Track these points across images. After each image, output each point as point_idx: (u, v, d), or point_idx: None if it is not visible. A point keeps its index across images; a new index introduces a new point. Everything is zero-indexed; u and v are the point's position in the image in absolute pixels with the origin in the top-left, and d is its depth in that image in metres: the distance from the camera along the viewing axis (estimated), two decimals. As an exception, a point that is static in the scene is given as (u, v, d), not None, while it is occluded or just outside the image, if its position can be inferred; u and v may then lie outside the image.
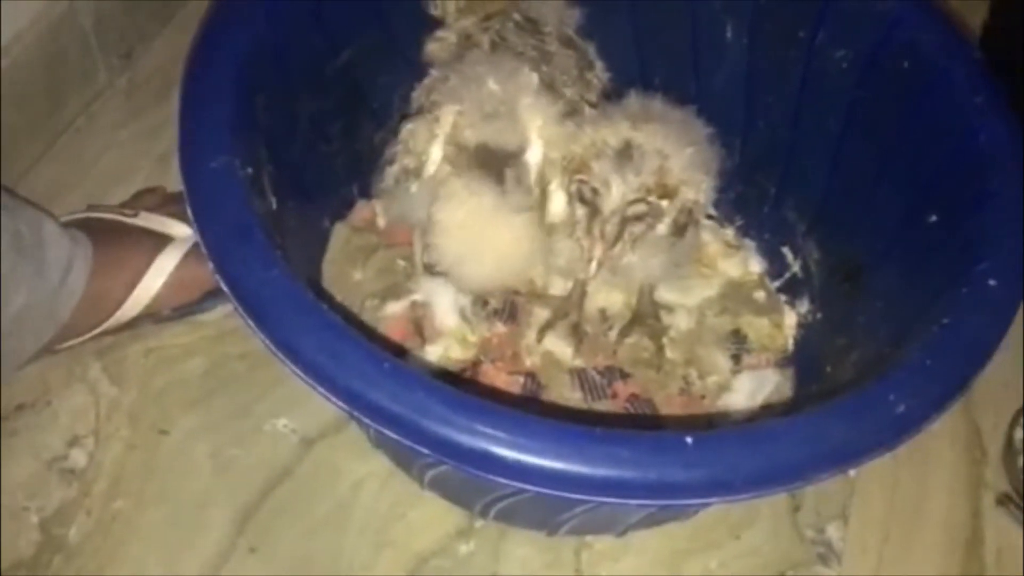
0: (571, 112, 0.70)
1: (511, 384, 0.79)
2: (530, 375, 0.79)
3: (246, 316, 0.54)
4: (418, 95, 0.72)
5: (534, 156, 0.66)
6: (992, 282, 0.58)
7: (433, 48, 0.76)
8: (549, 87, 0.74)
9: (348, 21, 0.77)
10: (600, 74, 0.80)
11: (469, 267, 0.70)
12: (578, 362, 0.81)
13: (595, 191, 0.63)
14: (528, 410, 0.51)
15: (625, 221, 0.64)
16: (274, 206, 0.67)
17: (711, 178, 0.70)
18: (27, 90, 0.86)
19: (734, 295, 0.87)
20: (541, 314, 0.82)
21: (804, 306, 0.86)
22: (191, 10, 1.03)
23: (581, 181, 0.64)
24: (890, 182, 0.75)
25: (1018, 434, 0.82)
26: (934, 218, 0.69)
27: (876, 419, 0.52)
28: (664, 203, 0.65)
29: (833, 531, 0.77)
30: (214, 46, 0.65)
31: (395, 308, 0.80)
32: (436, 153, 0.65)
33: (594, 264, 0.64)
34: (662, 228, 0.66)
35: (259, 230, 0.56)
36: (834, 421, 0.52)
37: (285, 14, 0.71)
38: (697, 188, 0.66)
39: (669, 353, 0.82)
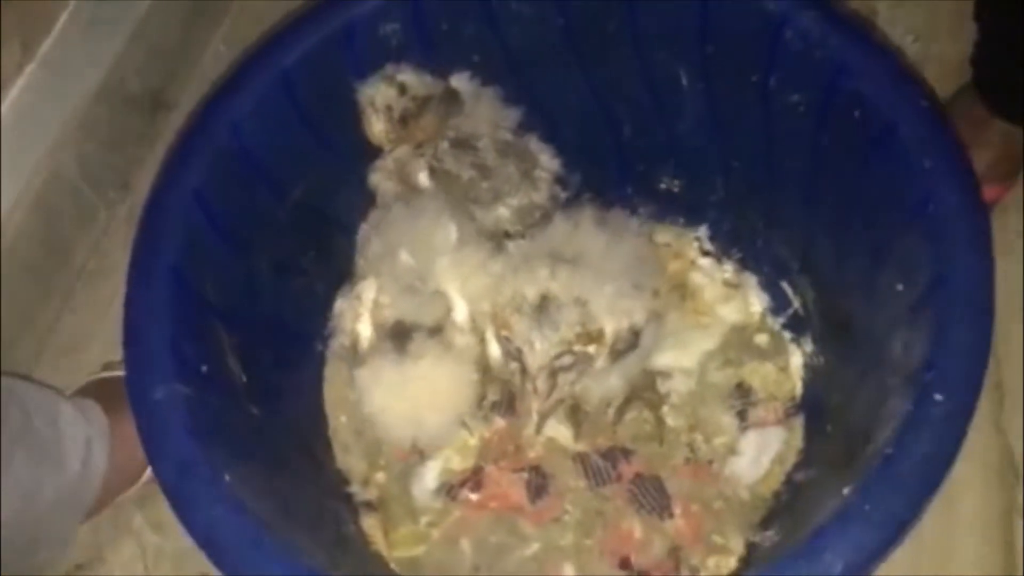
0: (496, 251, 0.69)
1: (516, 483, 0.80)
2: (534, 468, 0.81)
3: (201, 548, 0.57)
4: (360, 239, 0.73)
5: (460, 315, 0.66)
6: (938, 397, 0.55)
7: (375, 178, 0.76)
8: (492, 200, 0.74)
9: (293, 163, 0.78)
10: (548, 164, 0.78)
11: (398, 431, 0.71)
12: (581, 446, 0.82)
13: (520, 350, 0.63)
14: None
15: (555, 373, 0.64)
16: (244, 379, 0.71)
17: (645, 295, 0.68)
18: (32, 255, 0.91)
19: (735, 342, 0.85)
20: (537, 402, 0.83)
21: (809, 345, 0.83)
22: (177, 123, 1.05)
23: (506, 339, 0.64)
24: (856, 235, 0.72)
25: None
26: (900, 287, 0.66)
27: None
28: (591, 348, 0.64)
29: None
30: (150, 253, 0.67)
31: (394, 426, 0.82)
32: (365, 331, 0.66)
33: (534, 417, 0.65)
34: (601, 363, 0.65)
35: (203, 465, 0.59)
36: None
37: (222, 182, 0.72)
38: (628, 316, 0.65)
39: (671, 421, 0.82)
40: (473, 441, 0.82)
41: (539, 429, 0.82)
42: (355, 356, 0.68)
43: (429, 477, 0.80)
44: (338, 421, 0.84)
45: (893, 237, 0.67)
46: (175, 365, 0.63)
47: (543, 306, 0.63)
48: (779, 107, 0.75)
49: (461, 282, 0.66)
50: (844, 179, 0.73)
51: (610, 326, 0.65)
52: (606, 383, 0.72)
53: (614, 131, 0.87)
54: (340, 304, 0.69)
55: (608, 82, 0.84)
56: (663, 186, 0.90)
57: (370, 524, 0.79)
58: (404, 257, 0.66)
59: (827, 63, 0.69)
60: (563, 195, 0.79)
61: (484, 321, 0.66)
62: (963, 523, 0.78)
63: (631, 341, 0.68)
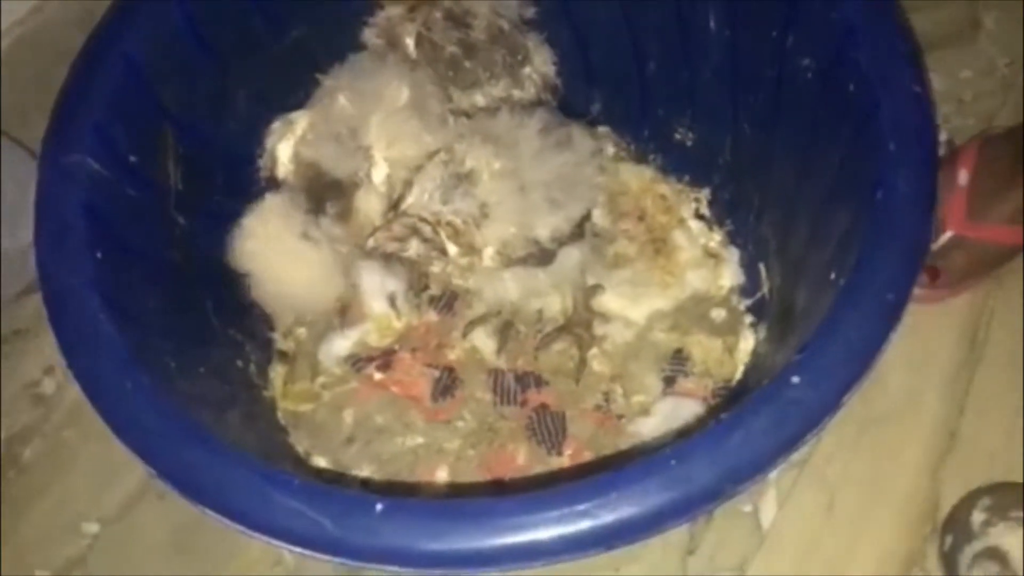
0: (439, 126, 0.67)
1: (424, 376, 0.79)
2: (448, 369, 0.79)
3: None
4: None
5: (378, 176, 0.64)
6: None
7: (367, 33, 0.75)
8: (472, 84, 0.72)
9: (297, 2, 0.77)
10: (541, 68, 0.75)
11: (263, 286, 0.70)
12: (501, 363, 0.80)
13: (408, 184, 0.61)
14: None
15: (414, 227, 0.62)
16: (179, 186, 0.71)
17: (558, 213, 0.65)
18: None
19: (691, 311, 0.81)
20: (479, 308, 0.81)
21: (763, 333, 0.78)
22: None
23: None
24: (826, 220, 0.67)
25: (977, 517, 0.71)
26: (833, 275, 0.61)
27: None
28: (451, 248, 0.62)
29: (724, 584, 0.72)
30: (108, 36, 0.68)
31: (330, 286, 0.82)
32: (284, 155, 0.66)
33: (370, 241, 0.62)
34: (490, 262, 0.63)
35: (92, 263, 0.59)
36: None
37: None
38: (523, 225, 0.62)
39: (596, 365, 0.79)
40: (398, 324, 0.81)
41: (465, 334, 0.80)
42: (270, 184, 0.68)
43: (340, 344, 0.80)
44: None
45: (845, 223, 0.62)
46: (95, 141, 0.64)
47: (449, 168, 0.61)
48: (791, 69, 0.70)
49: (388, 143, 0.64)
50: (829, 159, 0.67)
51: (499, 226, 0.62)
52: (499, 287, 0.69)
53: (640, 63, 0.83)
54: (275, 125, 0.69)
55: (641, 6, 0.80)
56: (678, 136, 0.86)
57: (276, 373, 0.80)
58: (342, 102, 0.65)
59: (839, 26, 0.64)
60: (552, 103, 0.76)
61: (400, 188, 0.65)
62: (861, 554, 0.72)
63: (528, 250, 0.65)
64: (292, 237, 0.67)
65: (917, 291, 0.56)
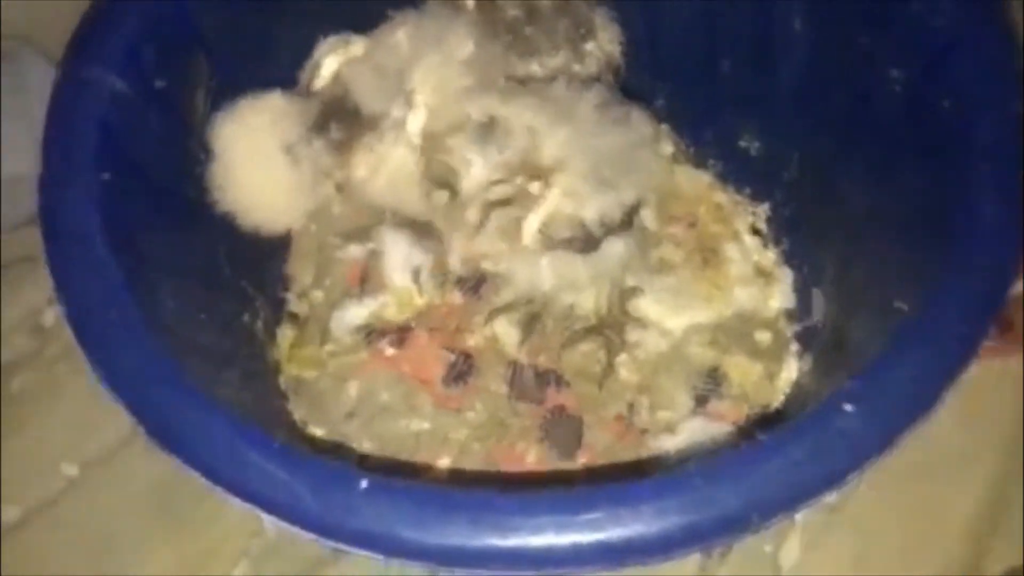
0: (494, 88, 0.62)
1: (439, 358, 0.74)
2: (465, 355, 0.74)
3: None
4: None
5: (414, 124, 0.59)
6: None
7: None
8: (530, 52, 0.67)
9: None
10: (606, 46, 0.70)
11: (224, 178, 0.65)
12: (522, 356, 0.74)
13: (453, 171, 0.56)
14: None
15: (489, 206, 0.57)
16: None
17: (607, 194, 0.59)
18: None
19: (733, 329, 0.75)
20: (507, 295, 0.76)
21: (809, 364, 0.72)
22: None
23: (439, 162, 0.57)
24: (892, 259, 0.61)
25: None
26: (899, 304, 0.55)
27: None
28: (534, 185, 0.56)
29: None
30: None
31: (355, 252, 0.78)
32: (327, 70, 0.61)
33: (454, 257, 0.58)
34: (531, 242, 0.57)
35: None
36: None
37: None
38: (574, 199, 0.57)
39: (624, 372, 0.73)
40: (419, 301, 0.76)
41: (488, 320, 0.75)
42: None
43: (356, 312, 0.75)
44: (307, 226, 0.79)
45: (920, 253, 0.56)
46: (122, 59, 0.60)
47: (490, 127, 0.56)
48: (877, 81, 0.64)
49: (434, 89, 0.60)
50: (909, 185, 0.62)
51: (553, 201, 0.57)
52: (534, 272, 0.64)
53: (712, 59, 0.78)
54: (330, 39, 0.65)
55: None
56: (742, 144, 0.80)
57: (284, 336, 0.75)
58: (400, 36, 0.60)
59: (938, 34, 0.58)
60: (613, 83, 0.71)
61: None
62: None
63: (573, 233, 0.59)
64: (274, 142, 0.62)
65: (984, 342, 0.50)
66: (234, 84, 0.68)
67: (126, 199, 0.57)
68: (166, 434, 0.47)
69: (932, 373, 0.47)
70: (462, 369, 0.74)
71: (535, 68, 0.68)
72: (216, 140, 0.63)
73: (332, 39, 0.65)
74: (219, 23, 0.67)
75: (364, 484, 0.44)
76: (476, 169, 0.56)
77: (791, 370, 0.73)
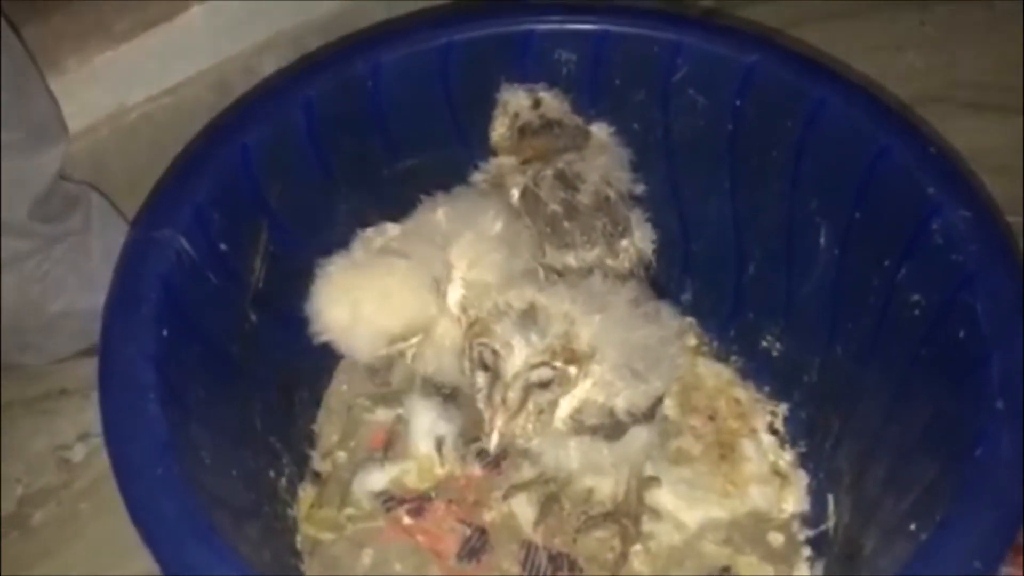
0: (525, 272, 0.66)
1: (455, 531, 0.75)
2: (480, 530, 0.75)
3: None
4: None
5: (453, 297, 0.64)
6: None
7: (475, 176, 0.76)
8: (567, 245, 0.72)
9: (419, 132, 0.79)
10: (639, 244, 0.74)
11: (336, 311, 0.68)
12: (536, 536, 0.75)
13: (496, 353, 0.59)
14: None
15: (529, 388, 0.59)
16: (260, 284, 0.71)
17: (638, 387, 0.62)
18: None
19: (747, 528, 0.76)
20: (527, 473, 0.78)
21: (820, 570, 0.73)
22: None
23: (482, 345, 0.59)
24: (909, 469, 0.62)
25: None
26: (913, 527, 0.56)
27: None
28: (572, 369, 0.59)
29: None
30: (235, 125, 0.69)
31: (382, 416, 0.80)
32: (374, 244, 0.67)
33: (495, 436, 0.60)
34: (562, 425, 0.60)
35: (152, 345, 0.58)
36: None
37: (343, 106, 0.74)
38: (607, 390, 0.60)
39: (637, 564, 0.74)
40: (440, 471, 0.77)
41: (506, 497, 0.76)
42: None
43: (377, 477, 0.76)
44: (338, 387, 0.82)
45: (933, 474, 0.58)
46: (190, 220, 0.64)
47: (529, 313, 0.59)
48: (898, 302, 0.68)
49: (469, 264, 0.64)
50: (924, 402, 0.64)
51: (587, 387, 0.60)
52: (561, 453, 0.65)
53: (740, 263, 0.82)
54: (368, 231, 0.69)
55: (752, 209, 0.80)
56: (764, 344, 0.83)
57: (305, 493, 0.77)
58: (440, 215, 0.65)
59: (960, 269, 0.62)
60: (643, 280, 0.75)
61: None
62: None
63: (601, 420, 0.61)
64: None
65: (1002, 570, 0.51)
66: (289, 251, 0.72)
67: (179, 355, 0.60)
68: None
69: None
70: (476, 545, 0.74)
71: (570, 260, 0.72)
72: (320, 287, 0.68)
73: (369, 231, 0.70)
74: (283, 195, 0.72)
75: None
76: (518, 352, 0.58)
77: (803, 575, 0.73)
